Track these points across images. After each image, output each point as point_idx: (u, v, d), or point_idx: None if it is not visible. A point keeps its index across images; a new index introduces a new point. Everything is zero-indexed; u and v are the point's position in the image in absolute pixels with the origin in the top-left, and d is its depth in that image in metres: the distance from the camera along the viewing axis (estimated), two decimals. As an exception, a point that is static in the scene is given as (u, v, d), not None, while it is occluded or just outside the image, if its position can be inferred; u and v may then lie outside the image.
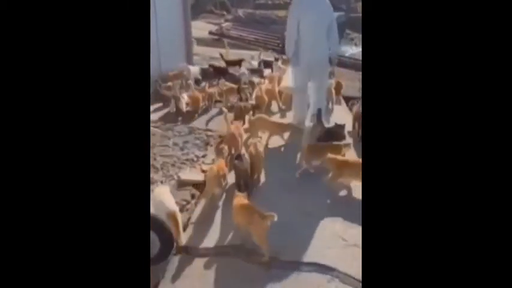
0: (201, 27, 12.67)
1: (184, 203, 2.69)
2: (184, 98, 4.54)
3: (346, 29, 14.52)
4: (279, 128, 3.66)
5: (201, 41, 9.66)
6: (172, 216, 2.16)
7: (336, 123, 3.46)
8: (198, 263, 2.11)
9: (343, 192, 2.83)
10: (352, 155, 3.22)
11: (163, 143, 3.70)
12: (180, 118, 4.38)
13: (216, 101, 4.80)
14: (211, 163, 3.16)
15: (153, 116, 4.41)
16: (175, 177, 3.04)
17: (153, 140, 3.67)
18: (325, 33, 3.73)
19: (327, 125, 3.53)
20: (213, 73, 5.83)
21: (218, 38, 11.99)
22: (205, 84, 4.98)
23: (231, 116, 3.95)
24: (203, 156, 3.46)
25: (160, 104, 4.79)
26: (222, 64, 6.28)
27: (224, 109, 3.82)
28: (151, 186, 2.73)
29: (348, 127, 3.63)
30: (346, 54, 10.84)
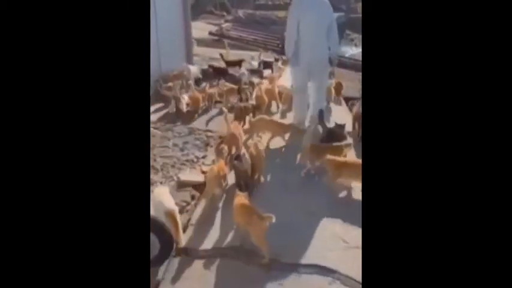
0: (201, 28, 12.69)
1: (184, 204, 2.68)
2: (185, 98, 4.53)
3: (346, 29, 14.53)
4: (281, 129, 3.66)
5: (201, 42, 9.66)
6: (171, 215, 2.16)
7: (336, 123, 3.47)
8: (198, 264, 2.10)
9: (344, 193, 2.82)
10: (351, 155, 3.21)
11: (163, 143, 3.70)
12: (180, 119, 4.38)
13: (216, 102, 4.80)
14: (211, 164, 3.15)
15: (153, 117, 4.41)
16: (175, 178, 3.03)
17: (152, 140, 3.66)
18: (325, 33, 3.73)
19: (328, 125, 3.53)
20: (213, 73, 5.83)
21: (218, 39, 12.00)
22: (205, 85, 4.98)
23: (231, 116, 3.94)
24: (203, 157, 3.45)
25: (161, 105, 4.78)
26: (222, 64, 6.28)
27: (224, 109, 3.81)
28: (151, 188, 2.72)
29: (348, 127, 3.63)
30: (346, 55, 10.85)
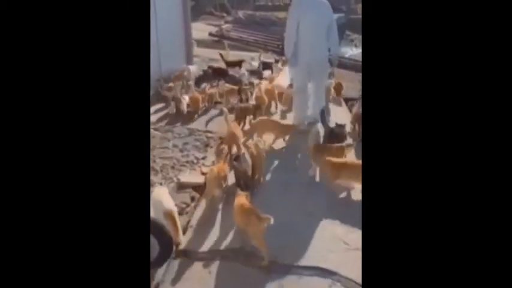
0: (201, 29, 12.71)
1: (183, 205, 2.67)
2: (186, 99, 4.53)
3: (346, 30, 14.55)
4: (284, 130, 3.65)
5: (201, 43, 9.68)
6: (169, 215, 2.16)
7: (336, 124, 3.48)
8: (198, 266, 2.10)
9: (344, 195, 2.81)
10: (350, 156, 3.21)
11: (163, 144, 3.69)
12: (180, 119, 4.37)
13: (216, 102, 4.79)
14: (211, 165, 3.15)
15: (153, 117, 4.40)
16: (175, 179, 3.03)
17: (152, 141, 3.66)
18: (325, 34, 3.74)
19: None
20: (212, 74, 5.83)
21: (218, 40, 12.02)
22: (205, 86, 4.98)
23: (231, 116, 3.94)
24: (203, 158, 3.44)
25: (161, 105, 4.78)
26: (222, 65, 6.28)
27: (225, 109, 3.81)
28: (151, 189, 2.71)
29: (348, 128, 3.63)
30: (346, 56, 10.86)
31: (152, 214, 2.11)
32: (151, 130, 3.91)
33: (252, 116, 3.95)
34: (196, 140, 3.83)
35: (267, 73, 6.37)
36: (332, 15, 3.83)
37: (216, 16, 17.69)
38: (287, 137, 3.66)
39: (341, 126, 3.42)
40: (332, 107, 4.86)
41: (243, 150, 3.25)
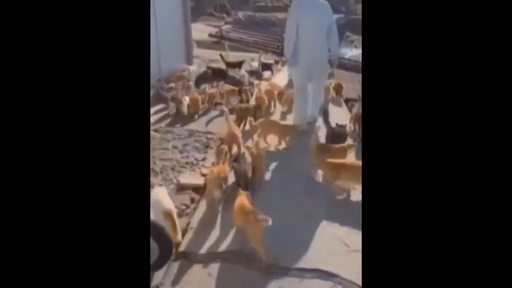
0: (201, 30, 12.73)
1: (183, 207, 2.67)
2: (186, 100, 4.53)
3: (346, 31, 14.57)
4: (286, 130, 3.64)
5: (201, 44, 9.69)
6: (168, 214, 2.15)
7: (337, 124, 3.48)
8: (198, 268, 2.09)
9: (343, 196, 2.81)
10: (350, 157, 3.20)
11: (163, 146, 3.69)
12: (180, 120, 4.37)
13: (216, 103, 4.79)
14: (211, 166, 3.14)
15: (153, 119, 4.39)
16: (175, 181, 3.02)
17: (152, 143, 3.65)
18: (325, 35, 3.74)
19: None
20: (212, 75, 5.82)
21: (218, 41, 12.03)
22: (205, 87, 4.97)
23: (232, 117, 3.93)
24: (203, 160, 3.43)
25: (161, 106, 4.77)
26: (222, 66, 6.28)
27: (225, 109, 3.79)
28: (151, 190, 2.71)
29: (348, 128, 3.63)
30: (346, 56, 10.88)
31: (151, 214, 2.10)
32: (151, 131, 3.90)
33: (252, 117, 3.95)
34: (196, 141, 3.82)
35: (267, 74, 6.37)
36: (332, 16, 3.82)
37: (216, 17, 17.71)
38: (287, 138, 3.66)
39: (342, 127, 3.43)
40: (332, 107, 4.85)
41: (243, 150, 3.24)
